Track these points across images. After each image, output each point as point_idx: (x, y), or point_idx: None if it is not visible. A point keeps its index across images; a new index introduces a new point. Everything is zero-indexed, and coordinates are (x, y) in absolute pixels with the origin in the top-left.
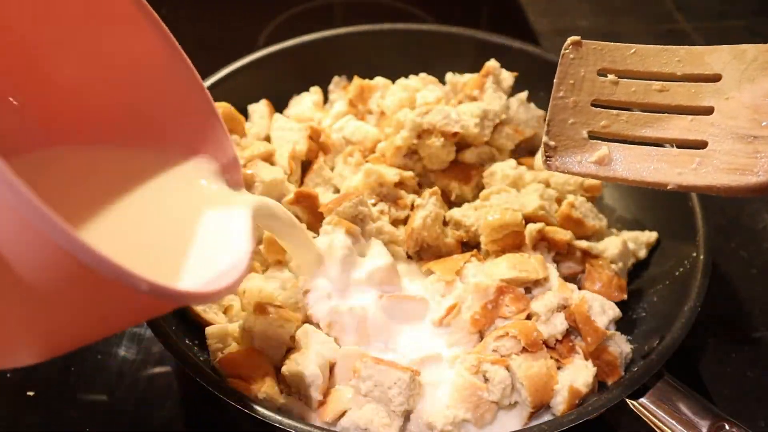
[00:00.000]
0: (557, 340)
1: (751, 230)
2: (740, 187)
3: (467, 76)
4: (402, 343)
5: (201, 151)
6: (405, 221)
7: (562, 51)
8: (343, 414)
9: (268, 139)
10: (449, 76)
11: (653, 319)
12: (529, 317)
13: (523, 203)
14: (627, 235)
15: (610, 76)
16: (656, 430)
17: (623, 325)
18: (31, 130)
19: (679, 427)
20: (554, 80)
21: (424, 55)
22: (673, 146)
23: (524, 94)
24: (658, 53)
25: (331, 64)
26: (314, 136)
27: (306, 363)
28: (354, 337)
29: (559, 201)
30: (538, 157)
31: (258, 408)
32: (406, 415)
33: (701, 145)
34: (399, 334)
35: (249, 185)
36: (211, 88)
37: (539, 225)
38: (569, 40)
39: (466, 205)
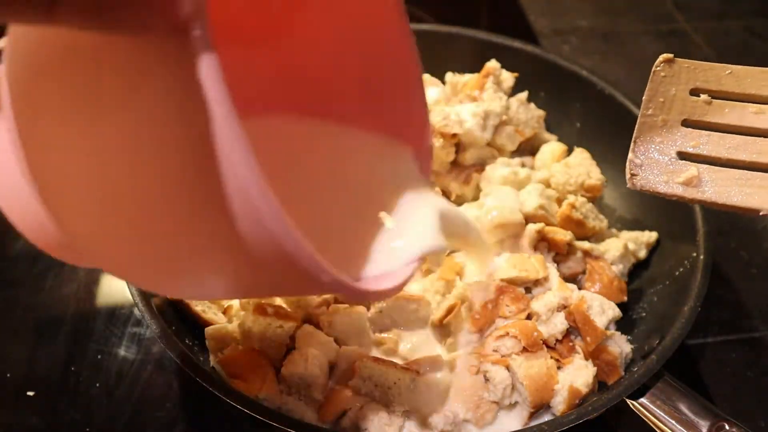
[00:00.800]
0: (557, 340)
1: (751, 230)
2: None
3: (467, 76)
4: (402, 343)
5: (401, 137)
6: None
7: (654, 68)
8: (343, 414)
9: None
10: (449, 76)
11: (653, 319)
12: (529, 317)
13: (523, 203)
14: (627, 235)
15: (703, 96)
16: (656, 430)
17: (623, 325)
18: (264, 92)
19: (679, 427)
20: (644, 97)
21: (424, 55)
22: None
23: (524, 95)
24: (756, 75)
25: None
26: None
27: (306, 363)
28: (354, 340)
29: (559, 201)
30: (539, 157)
31: (258, 408)
32: (407, 416)
33: None
34: (399, 334)
35: None
36: None
37: (539, 225)
38: (661, 57)
39: (466, 205)
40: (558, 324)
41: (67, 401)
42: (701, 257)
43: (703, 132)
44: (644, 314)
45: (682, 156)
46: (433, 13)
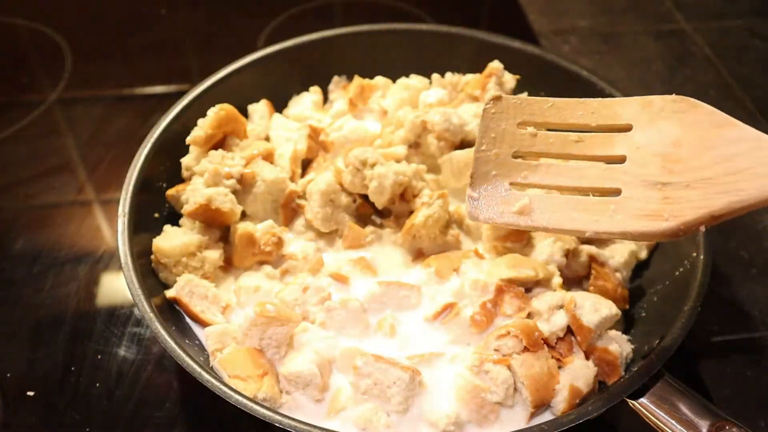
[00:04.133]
0: (558, 338)
1: (751, 230)
2: (652, 233)
3: (469, 76)
4: (401, 338)
5: None
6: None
7: (483, 106)
8: (341, 412)
9: (268, 139)
10: (449, 76)
11: (653, 319)
12: (529, 316)
13: None
14: None
15: (530, 129)
16: (656, 430)
17: (623, 324)
18: None
19: (679, 427)
20: (477, 134)
21: (424, 55)
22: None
23: (523, 96)
24: (574, 106)
25: (331, 64)
26: (314, 135)
27: (304, 362)
28: (353, 330)
29: None
30: None
31: (258, 408)
32: (405, 414)
33: (616, 192)
34: (394, 317)
35: (250, 184)
36: (211, 88)
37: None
38: (489, 96)
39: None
40: (559, 322)
41: (67, 401)
42: (701, 257)
43: (532, 162)
44: (644, 314)
45: (515, 186)
46: (433, 13)
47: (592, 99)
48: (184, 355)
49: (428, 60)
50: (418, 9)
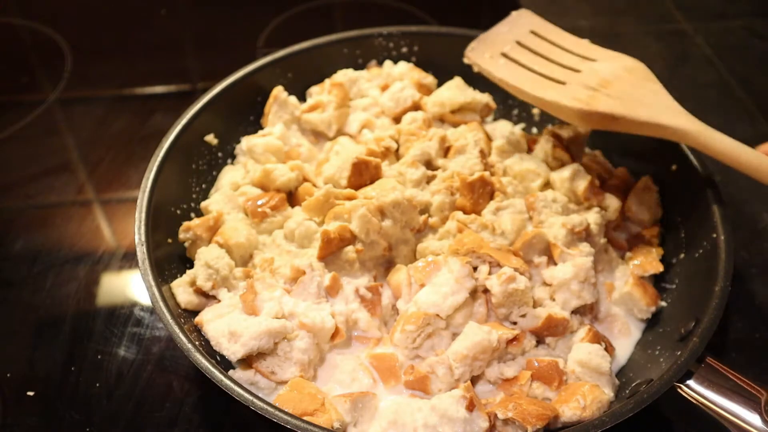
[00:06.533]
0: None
1: (751, 230)
2: (574, 108)
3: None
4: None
5: None
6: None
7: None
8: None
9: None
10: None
11: (679, 304)
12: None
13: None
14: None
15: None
16: (704, 409)
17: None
18: None
19: (731, 405)
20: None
21: (425, 56)
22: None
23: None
24: (571, 38)
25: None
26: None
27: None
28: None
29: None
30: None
31: (277, 413)
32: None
33: (563, 83)
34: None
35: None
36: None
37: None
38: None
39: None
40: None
41: (67, 401)
42: (722, 237)
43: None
44: (670, 300)
45: (504, 56)
46: (434, 13)
47: (584, 41)
48: (203, 363)
49: (429, 60)
50: (418, 9)
